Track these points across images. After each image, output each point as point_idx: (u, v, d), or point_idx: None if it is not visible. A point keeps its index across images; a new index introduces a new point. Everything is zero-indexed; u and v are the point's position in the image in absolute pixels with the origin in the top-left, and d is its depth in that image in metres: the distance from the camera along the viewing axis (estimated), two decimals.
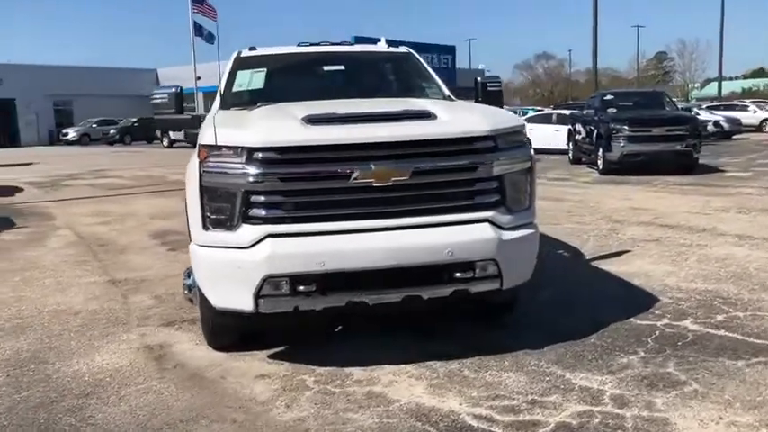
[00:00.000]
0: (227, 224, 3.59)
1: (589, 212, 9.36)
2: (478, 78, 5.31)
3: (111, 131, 41.42)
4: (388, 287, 3.67)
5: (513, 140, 3.89)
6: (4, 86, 43.80)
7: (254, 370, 3.92)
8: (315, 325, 4.50)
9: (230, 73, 5.25)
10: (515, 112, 30.30)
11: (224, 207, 3.59)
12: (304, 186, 3.57)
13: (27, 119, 45.11)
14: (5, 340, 4.59)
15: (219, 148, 3.61)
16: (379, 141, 3.58)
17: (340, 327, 4.58)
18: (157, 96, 5.01)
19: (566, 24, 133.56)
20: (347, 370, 3.84)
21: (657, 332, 4.29)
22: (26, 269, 6.86)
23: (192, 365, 4.04)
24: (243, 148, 3.55)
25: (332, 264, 3.54)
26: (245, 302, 3.59)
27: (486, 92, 5.26)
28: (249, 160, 3.54)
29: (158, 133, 36.13)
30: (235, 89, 5.15)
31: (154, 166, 21.84)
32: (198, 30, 40.57)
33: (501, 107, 5.25)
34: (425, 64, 5.42)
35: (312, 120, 3.72)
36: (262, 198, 3.55)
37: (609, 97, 17.03)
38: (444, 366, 3.84)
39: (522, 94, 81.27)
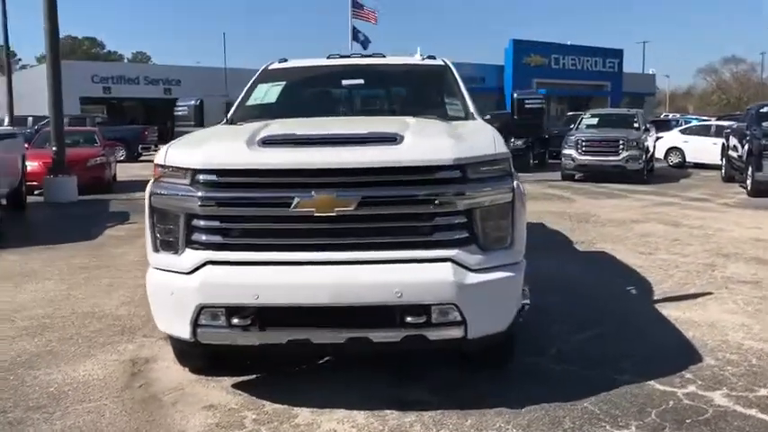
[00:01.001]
0: (174, 247, 3.45)
1: (699, 242, 8.32)
2: (515, 94, 4.80)
3: None
4: (331, 327, 3.36)
5: (487, 171, 3.42)
6: (182, 87, 47.39)
7: (208, 398, 3.76)
8: (299, 355, 4.25)
9: (250, 86, 5.15)
10: (676, 122, 28.15)
11: (171, 229, 3.45)
12: (243, 212, 3.35)
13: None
14: (19, 341, 4.78)
15: (168, 167, 3.48)
16: (323, 168, 3.27)
17: (327, 358, 4.30)
18: (179, 109, 5.01)
19: (758, 26, 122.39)
20: (296, 410, 3.57)
21: (671, 402, 3.61)
22: (100, 267, 7.22)
23: (157, 387, 3.96)
24: (186, 169, 3.40)
25: (267, 297, 3.29)
26: (183, 330, 3.44)
27: (523, 109, 4.75)
28: (192, 182, 3.39)
29: None
30: (249, 103, 5.02)
31: None
32: (355, 34, 41.73)
33: (540, 126, 4.75)
34: (458, 77, 4.98)
35: (267, 141, 3.48)
36: (202, 222, 3.38)
37: (765, 109, 15.20)
38: (398, 419, 3.46)
39: (706, 100, 75.80)
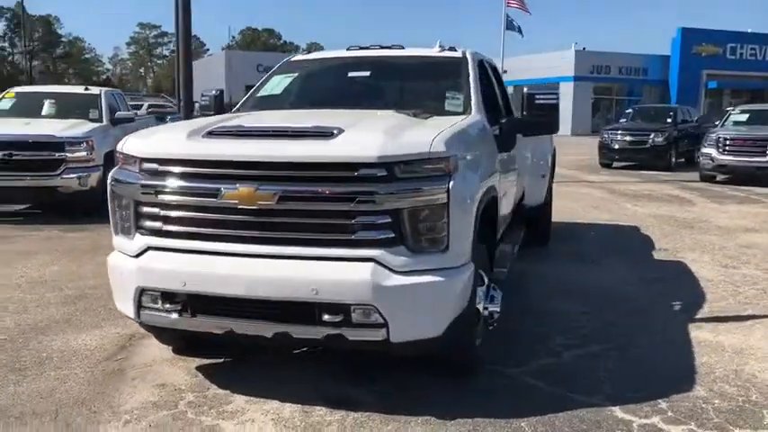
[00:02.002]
0: (127, 231, 3.64)
1: None
2: (525, 89, 4.53)
3: None
4: (254, 319, 3.39)
5: (419, 170, 3.27)
6: None
7: (165, 378, 3.93)
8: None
9: (266, 77, 5.25)
10: None
11: (125, 214, 3.64)
12: (176, 201, 3.46)
13: None
14: (52, 308, 5.25)
15: (123, 155, 3.67)
16: (245, 160, 3.30)
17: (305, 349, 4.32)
18: (203, 99, 5.22)
19: None
20: (233, 397, 3.65)
21: None
22: None
23: (132, 361, 4.20)
24: (135, 157, 3.56)
25: (192, 285, 3.39)
26: (129, 311, 3.63)
27: (533, 105, 4.48)
28: (140, 170, 3.55)
29: None
30: (260, 94, 5.13)
31: None
32: (509, 23, 40.94)
33: (552, 123, 4.47)
34: (471, 71, 4.76)
35: (211, 133, 3.56)
36: (145, 209, 3.54)
37: None
38: (321, 416, 3.43)
39: None
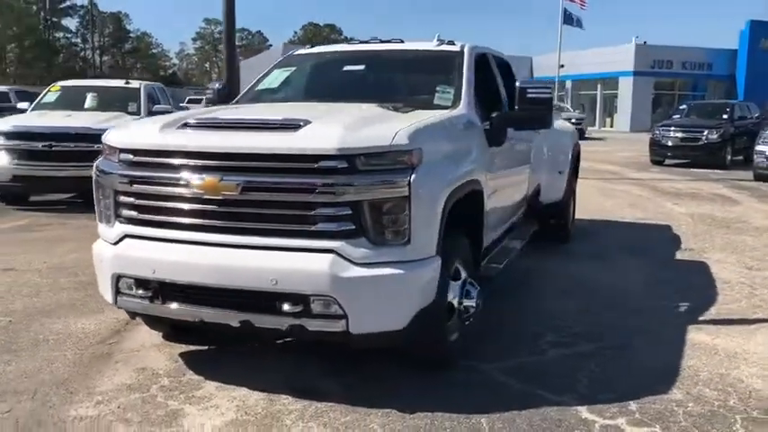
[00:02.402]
0: (108, 219, 3.76)
1: None
2: (518, 83, 4.47)
3: None
4: (220, 308, 3.46)
5: (381, 163, 3.28)
6: None
7: (147, 362, 4.04)
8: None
9: (267, 71, 5.32)
10: None
11: (106, 203, 3.76)
12: (149, 190, 3.56)
13: None
14: (63, 293, 5.47)
15: (106, 146, 3.79)
16: (210, 151, 3.38)
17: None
18: (207, 93, 5.35)
19: None
20: (204, 384, 3.74)
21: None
22: None
23: (122, 345, 4.34)
24: (115, 148, 3.68)
25: (161, 273, 3.49)
26: (109, 296, 3.75)
27: (525, 99, 4.42)
28: (119, 160, 3.66)
29: None
30: (259, 87, 5.21)
31: None
32: (567, 17, 40.21)
33: (545, 118, 4.41)
34: (466, 64, 4.72)
35: (185, 124, 3.65)
36: (122, 198, 3.65)
37: None
38: (284, 406, 3.48)
39: None
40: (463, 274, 3.95)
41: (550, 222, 7.36)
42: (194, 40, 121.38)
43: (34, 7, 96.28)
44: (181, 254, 3.45)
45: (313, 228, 3.28)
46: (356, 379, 3.82)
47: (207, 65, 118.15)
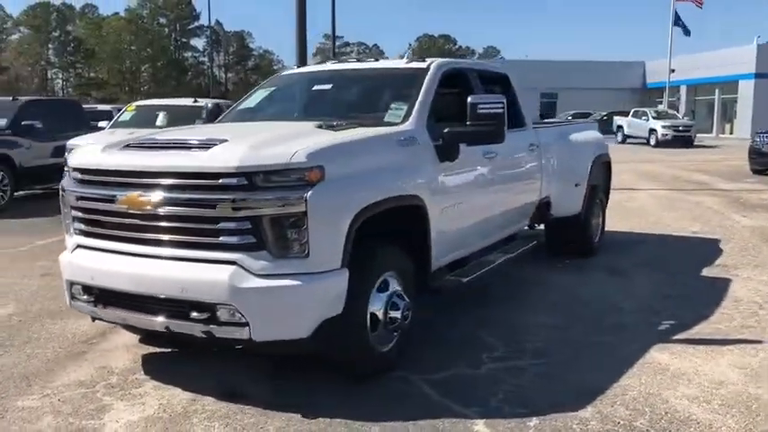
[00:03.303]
0: (68, 230, 4.20)
1: None
2: (469, 98, 4.54)
3: None
4: (144, 313, 3.78)
5: (279, 180, 3.49)
6: None
7: (109, 361, 4.43)
8: None
9: (252, 91, 5.63)
10: None
11: (66, 216, 4.20)
12: (89, 205, 3.94)
13: None
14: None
15: (67, 165, 4.23)
16: (131, 170, 3.72)
17: None
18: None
19: None
20: (146, 384, 4.06)
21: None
22: None
23: (101, 346, 4.74)
24: (69, 167, 4.11)
25: (97, 280, 3.86)
26: (66, 298, 4.18)
27: (475, 114, 4.49)
28: (72, 178, 4.09)
29: (614, 128, 35.66)
30: (240, 106, 5.53)
31: None
32: (677, 20, 38.49)
33: (495, 132, 4.47)
34: (427, 82, 4.80)
35: (125, 145, 4.02)
36: (74, 212, 4.06)
37: None
38: (203, 407, 3.73)
39: None
40: (393, 287, 4.06)
41: (569, 236, 7.24)
42: (314, 55, 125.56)
43: (166, 30, 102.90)
44: (111, 263, 3.80)
45: (217, 240, 3.53)
46: (286, 385, 4.01)
47: None
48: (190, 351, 4.54)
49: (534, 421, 3.49)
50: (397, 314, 4.01)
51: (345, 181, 3.66)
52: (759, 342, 4.68)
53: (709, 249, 7.94)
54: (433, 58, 5.23)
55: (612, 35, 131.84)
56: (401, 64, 5.25)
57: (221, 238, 3.52)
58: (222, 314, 3.53)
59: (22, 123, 11.64)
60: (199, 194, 3.54)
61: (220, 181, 3.48)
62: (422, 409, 3.63)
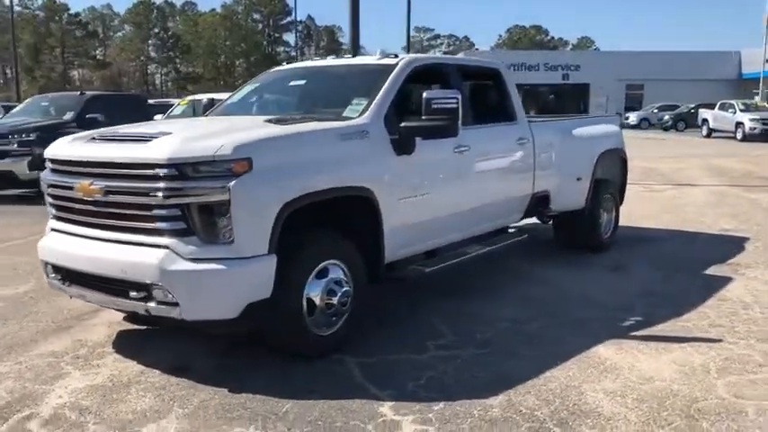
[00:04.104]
0: (48, 215, 4.64)
1: None
2: (424, 93, 4.67)
3: (665, 117, 40.85)
4: (97, 291, 4.15)
5: (206, 171, 3.76)
6: (581, 72, 47.70)
7: (88, 335, 4.84)
8: None
9: (242, 86, 5.94)
10: None
11: (47, 201, 4.64)
12: (56, 192, 4.35)
13: (597, 102, 48.05)
14: None
15: (44, 155, 4.66)
16: (83, 160, 4.09)
17: None
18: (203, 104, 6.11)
19: None
20: (109, 357, 4.42)
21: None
22: None
23: (93, 320, 5.17)
24: (45, 158, 4.54)
25: (61, 260, 4.27)
26: (44, 277, 4.62)
27: (430, 109, 4.63)
28: (47, 168, 4.52)
29: (699, 121, 34.20)
30: (228, 101, 5.84)
31: (681, 156, 21.19)
32: None
33: (449, 127, 4.62)
34: (392, 79, 4.93)
35: (92, 138, 4.40)
36: (49, 199, 4.49)
37: None
38: (145, 378, 4.08)
39: None
40: (335, 274, 4.27)
41: (575, 231, 7.22)
42: (404, 48, 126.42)
43: (260, 25, 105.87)
44: (70, 245, 4.20)
45: (153, 226, 3.85)
46: (231, 362, 4.30)
47: None
48: (163, 330, 4.88)
49: (439, 406, 3.62)
50: (334, 300, 4.21)
51: (274, 172, 3.89)
52: (717, 341, 4.59)
53: (730, 248, 7.68)
54: (406, 55, 5.36)
55: (709, 24, 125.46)
56: (373, 60, 5.42)
57: (156, 224, 3.83)
58: (157, 294, 3.84)
59: (87, 117, 12.45)
60: (137, 183, 3.86)
61: (154, 171, 3.79)
62: (340, 390, 3.83)
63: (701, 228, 9.00)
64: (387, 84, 4.93)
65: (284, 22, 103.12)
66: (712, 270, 6.64)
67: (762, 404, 3.62)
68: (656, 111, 43.60)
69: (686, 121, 39.37)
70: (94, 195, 4.00)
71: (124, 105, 13.83)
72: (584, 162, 6.97)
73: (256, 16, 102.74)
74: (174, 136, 4.02)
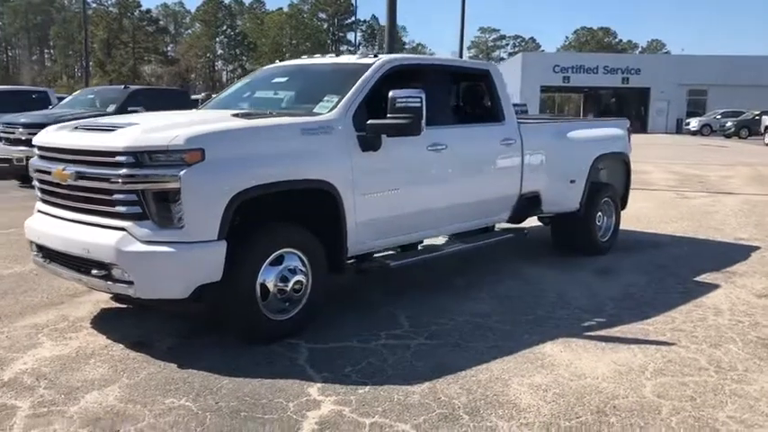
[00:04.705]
0: (37, 198, 5.02)
1: None
2: (390, 92, 4.85)
3: (728, 124, 39.60)
4: (69, 268, 4.49)
5: (160, 159, 4.04)
6: (641, 75, 46.63)
7: (74, 311, 5.20)
8: None
9: (235, 82, 6.22)
10: None
11: (35, 185, 5.01)
12: (40, 177, 4.71)
13: (658, 107, 46.97)
14: None
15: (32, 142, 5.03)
16: (57, 147, 4.44)
17: None
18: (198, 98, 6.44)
19: None
20: (85, 330, 4.77)
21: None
22: None
23: (86, 298, 5.55)
24: (34, 144, 4.91)
25: (41, 239, 4.63)
26: (31, 255, 5.00)
27: (394, 108, 4.81)
28: (35, 154, 4.90)
29: (762, 129, 33.05)
30: (219, 96, 6.14)
31: (733, 164, 20.73)
32: None
33: (413, 125, 4.79)
34: (363, 77, 5.13)
35: (76, 127, 4.74)
36: (35, 182, 4.86)
37: None
38: (107, 351, 4.39)
39: None
40: (290, 263, 4.49)
41: (570, 233, 7.26)
42: (468, 48, 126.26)
43: (325, 24, 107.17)
44: (48, 225, 4.55)
45: (114, 210, 4.15)
46: (191, 341, 4.57)
47: None
48: (141, 310, 5.20)
49: (364, 390, 3.79)
50: (287, 287, 4.44)
51: (226, 163, 4.13)
52: (670, 344, 4.61)
53: (734, 256, 7.56)
54: (384, 55, 5.54)
55: None
56: (352, 60, 5.62)
57: (116, 208, 4.13)
58: (116, 273, 4.14)
59: (128, 109, 13.04)
60: (101, 170, 4.17)
61: (115, 159, 4.09)
62: (280, 371, 4.05)
63: (716, 235, 8.86)
64: (358, 82, 5.11)
65: (349, 21, 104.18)
66: (703, 277, 6.57)
67: (679, 404, 3.67)
68: (718, 117, 42.29)
69: (749, 129, 38.09)
70: (67, 180, 4.33)
71: (165, 99, 14.38)
72: (578, 165, 7.00)
73: (322, 15, 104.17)
74: (137, 127, 4.31)
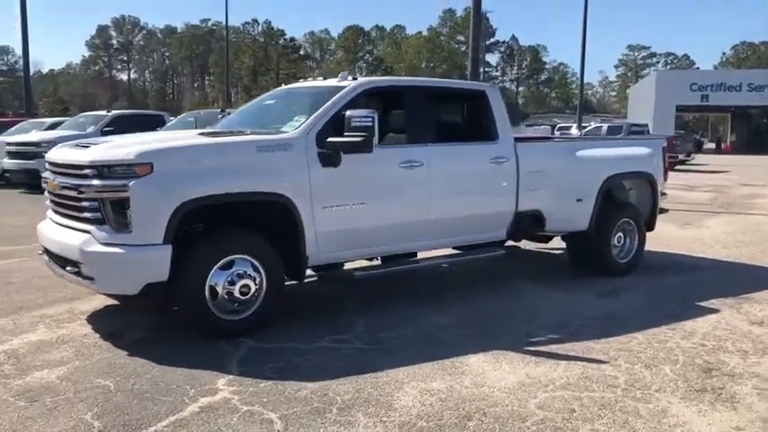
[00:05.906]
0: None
1: None
2: (347, 112, 5.22)
3: None
4: (59, 266, 5.20)
5: (116, 172, 4.65)
6: None
7: (83, 306, 5.94)
8: None
9: (243, 106, 6.82)
10: None
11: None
12: (44, 187, 5.49)
13: None
14: None
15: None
16: (54, 162, 5.19)
17: None
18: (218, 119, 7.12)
19: None
20: (77, 322, 5.47)
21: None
22: None
23: (96, 296, 6.32)
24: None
25: (43, 242, 5.40)
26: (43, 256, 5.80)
27: (350, 126, 5.18)
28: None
29: None
30: (232, 115, 6.75)
31: None
32: None
33: (365, 143, 5.14)
34: (332, 99, 5.49)
35: (77, 144, 5.48)
36: (46, 193, 5.67)
37: None
38: (81, 339, 5.03)
39: None
40: (240, 268, 4.94)
41: (582, 252, 7.22)
42: (616, 67, 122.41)
43: (463, 47, 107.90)
44: (47, 229, 5.30)
45: (82, 215, 4.81)
46: (155, 335, 5.12)
47: (627, 91, 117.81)
48: (137, 307, 5.82)
49: (266, 383, 4.13)
50: (233, 289, 4.89)
51: (174, 176, 4.66)
52: (602, 362, 4.59)
53: (759, 282, 7.14)
54: (362, 78, 5.90)
55: None
56: (332, 83, 6.02)
57: (84, 214, 4.79)
58: (83, 269, 4.79)
59: None
60: (74, 180, 4.85)
61: (83, 171, 4.75)
62: (207, 363, 4.44)
63: (751, 261, 8.36)
64: (327, 104, 5.50)
65: (488, 42, 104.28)
66: (711, 302, 6.29)
67: (552, 416, 3.71)
68: None
69: None
70: (56, 189, 5.06)
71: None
72: (585, 184, 6.93)
73: (460, 38, 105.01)
74: (106, 144, 4.97)
